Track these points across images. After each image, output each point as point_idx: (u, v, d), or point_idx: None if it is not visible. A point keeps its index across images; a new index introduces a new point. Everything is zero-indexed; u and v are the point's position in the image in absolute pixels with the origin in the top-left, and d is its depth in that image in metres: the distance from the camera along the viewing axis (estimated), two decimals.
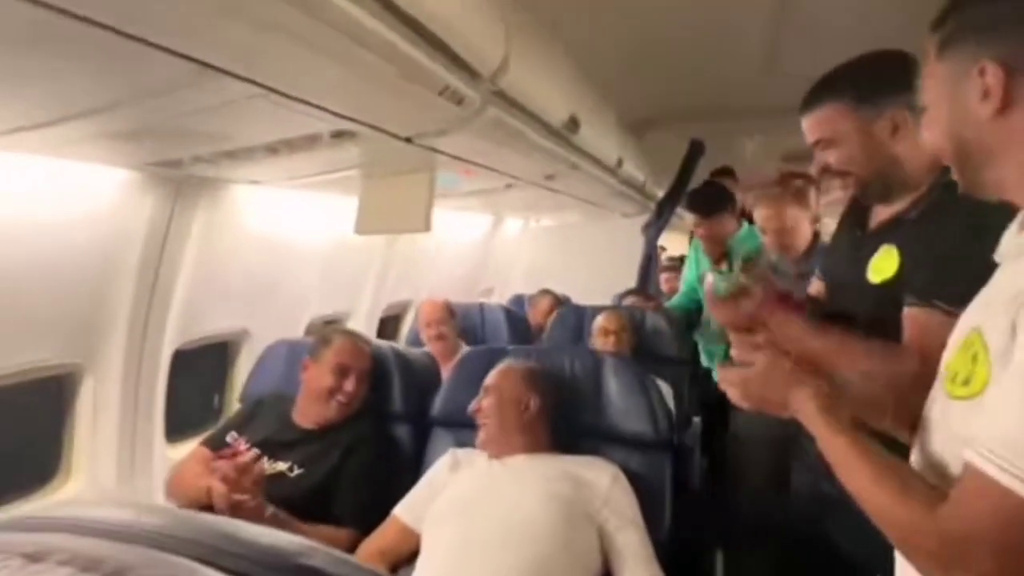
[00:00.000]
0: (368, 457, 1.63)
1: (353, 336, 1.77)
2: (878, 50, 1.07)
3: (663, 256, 5.11)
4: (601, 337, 2.62)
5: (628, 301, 3.44)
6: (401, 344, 2.94)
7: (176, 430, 2.09)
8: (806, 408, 0.77)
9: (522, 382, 1.57)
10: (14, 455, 1.67)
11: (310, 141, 1.27)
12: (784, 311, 1.04)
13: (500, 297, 4.69)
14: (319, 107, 1.00)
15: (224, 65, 0.78)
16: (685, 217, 3.21)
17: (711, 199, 2.62)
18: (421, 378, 1.93)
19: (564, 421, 1.65)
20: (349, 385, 1.64)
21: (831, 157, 1.06)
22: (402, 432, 1.81)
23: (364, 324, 2.94)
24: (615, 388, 1.69)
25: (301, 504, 1.49)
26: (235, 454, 1.56)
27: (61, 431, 1.73)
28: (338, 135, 1.25)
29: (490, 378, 1.60)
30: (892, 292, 0.99)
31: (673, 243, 5.92)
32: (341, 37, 0.80)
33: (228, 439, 1.66)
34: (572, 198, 3.15)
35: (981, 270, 0.72)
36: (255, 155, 1.34)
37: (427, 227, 1.70)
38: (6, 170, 1.26)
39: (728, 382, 0.89)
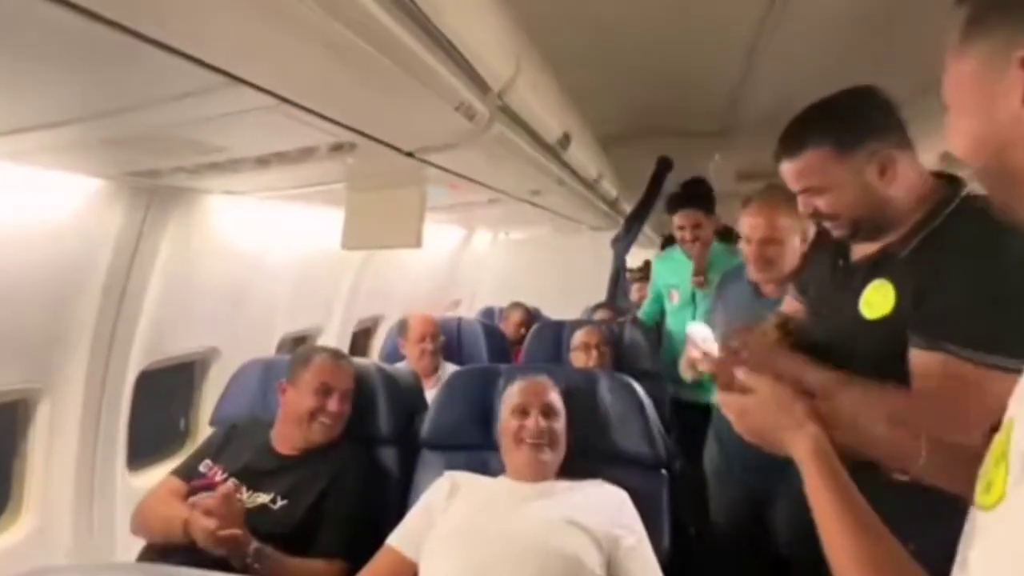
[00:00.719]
0: (355, 483, 1.54)
1: (334, 354, 1.68)
2: (849, 89, 1.03)
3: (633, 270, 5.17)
4: (583, 352, 2.61)
5: (599, 315, 3.46)
6: (374, 360, 2.85)
7: (138, 457, 1.95)
8: (801, 453, 0.74)
9: (560, 402, 1.54)
10: None
11: (305, 154, 1.21)
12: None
13: (468, 310, 4.64)
14: (330, 119, 0.95)
15: (243, 74, 0.73)
16: (647, 234, 3.19)
17: (709, 195, 2.60)
18: (407, 398, 1.86)
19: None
20: (332, 405, 1.55)
21: (820, 203, 1.02)
22: (388, 456, 1.73)
23: (336, 340, 2.84)
24: (612, 407, 1.67)
25: (287, 538, 1.39)
26: (211, 484, 1.47)
27: (10, 461, 1.58)
28: (337, 148, 1.19)
29: (548, 396, 1.53)
30: (889, 328, 0.95)
31: (635, 258, 6.02)
32: (364, 45, 0.75)
33: (202, 468, 1.55)
34: (546, 212, 3.15)
35: (1006, 307, 0.70)
36: (242, 167, 1.27)
37: (418, 243, 1.65)
38: None
39: (728, 406, 0.86)
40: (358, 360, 1.89)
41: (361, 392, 1.73)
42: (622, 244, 4.25)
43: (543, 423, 1.48)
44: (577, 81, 1.82)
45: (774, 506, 1.69)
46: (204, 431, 2.14)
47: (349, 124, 1.00)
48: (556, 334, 2.91)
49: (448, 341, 2.95)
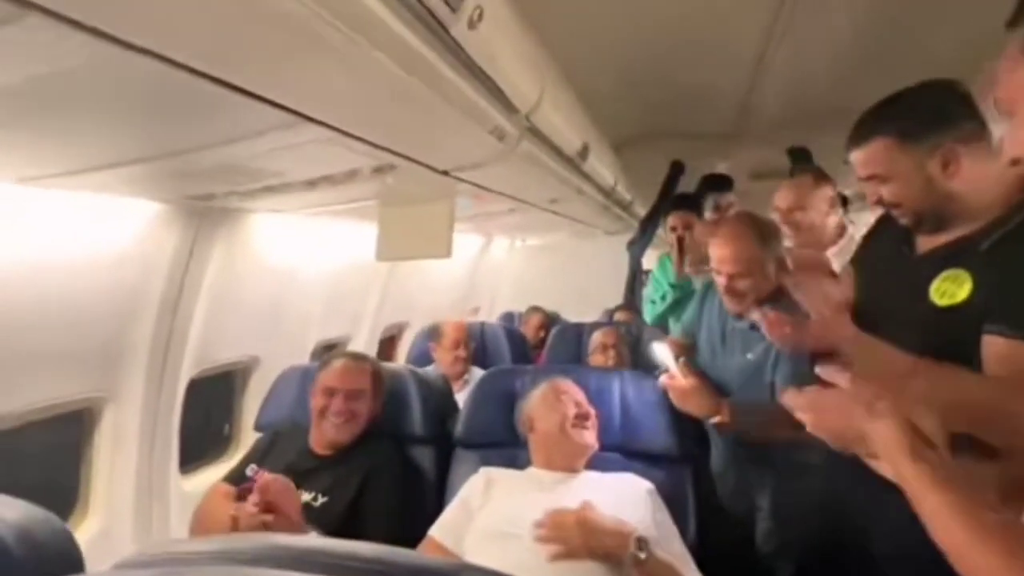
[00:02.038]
0: (391, 479, 1.63)
1: (346, 357, 1.76)
2: (925, 81, 1.05)
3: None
4: (600, 353, 2.68)
5: (619, 316, 3.54)
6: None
7: (186, 461, 2.07)
8: (887, 448, 0.69)
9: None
10: (27, 493, 1.63)
11: (349, 176, 1.31)
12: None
13: (488, 316, 4.74)
14: (376, 145, 1.05)
15: (308, 111, 0.83)
16: (661, 236, 3.23)
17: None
18: (439, 399, 1.96)
19: None
20: (336, 405, 1.63)
21: (884, 191, 1.05)
22: (422, 454, 1.82)
23: (364, 346, 2.95)
24: (636, 404, 1.75)
25: (329, 532, 1.49)
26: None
27: (76, 466, 1.70)
28: (378, 170, 1.29)
29: (577, 393, 1.63)
30: (960, 316, 0.97)
31: (650, 260, 6.07)
32: (410, 79, 0.84)
33: (248, 472, 1.65)
34: (563, 218, 3.24)
35: None
36: (291, 189, 1.38)
37: (448, 253, 1.74)
38: (39, 206, 1.27)
39: (799, 407, 0.82)
40: (392, 364, 1.99)
41: (395, 394, 1.82)
42: (638, 247, 4.32)
43: (587, 407, 1.59)
44: (591, 89, 1.90)
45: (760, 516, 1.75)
46: (247, 435, 2.27)
47: (392, 148, 1.10)
48: (576, 336, 3.00)
49: (473, 346, 3.05)
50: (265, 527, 1.32)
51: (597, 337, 2.75)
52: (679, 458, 1.69)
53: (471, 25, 0.82)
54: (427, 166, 1.29)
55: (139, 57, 0.62)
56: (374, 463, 1.61)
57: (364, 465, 1.60)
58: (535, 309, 3.79)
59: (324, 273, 2.46)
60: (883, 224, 1.26)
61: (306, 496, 1.53)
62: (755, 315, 1.29)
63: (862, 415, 0.72)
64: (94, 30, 0.56)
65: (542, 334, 3.86)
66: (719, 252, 1.56)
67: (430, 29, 0.77)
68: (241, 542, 0.52)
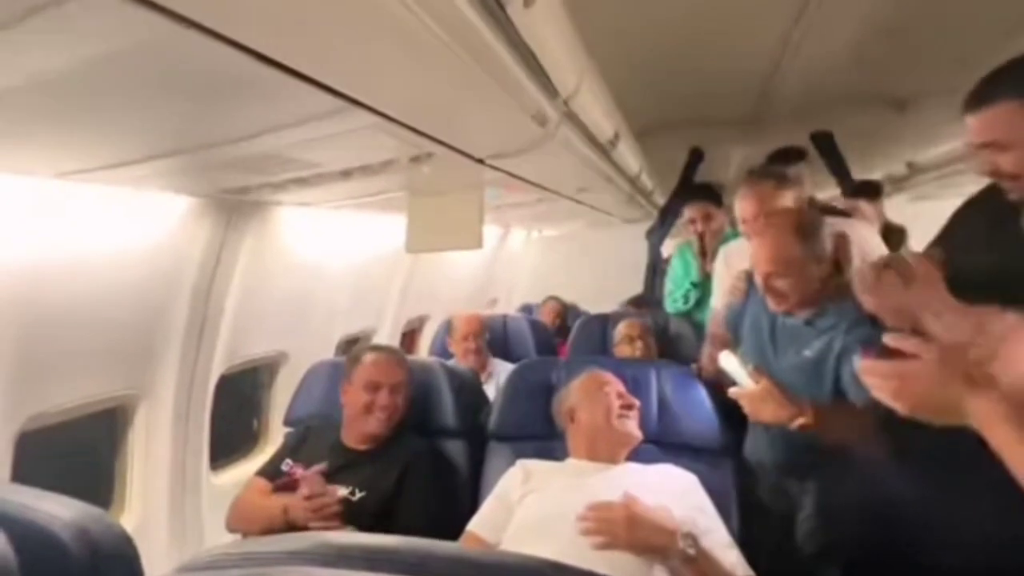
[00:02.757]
0: (428, 473, 1.62)
1: (383, 351, 1.75)
2: None
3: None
4: (627, 345, 2.64)
5: (625, 328, 3.49)
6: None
7: (216, 456, 2.06)
8: (991, 421, 0.66)
9: None
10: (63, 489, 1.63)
11: (386, 165, 1.28)
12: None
13: (506, 307, 4.71)
14: (419, 132, 1.02)
15: (359, 95, 0.80)
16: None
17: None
18: (470, 392, 1.94)
19: None
20: (382, 399, 1.62)
21: (1003, 161, 0.95)
22: (455, 448, 1.80)
23: (388, 339, 2.94)
24: (676, 397, 1.72)
25: (367, 527, 1.49)
26: (293, 481, 1.56)
27: (110, 462, 1.70)
28: (415, 159, 1.26)
29: (617, 383, 1.60)
30: None
31: (669, 249, 6.00)
32: (464, 57, 0.80)
33: (283, 467, 1.65)
34: (584, 207, 3.20)
35: None
36: (326, 181, 1.35)
37: (480, 244, 1.72)
38: (74, 202, 1.25)
39: (878, 375, 0.78)
40: (421, 357, 1.97)
41: (427, 388, 1.80)
42: (656, 236, 4.26)
43: (630, 397, 1.55)
44: (618, 77, 1.85)
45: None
46: (275, 431, 2.27)
47: (433, 135, 1.07)
48: (602, 327, 2.96)
49: (494, 338, 3.03)
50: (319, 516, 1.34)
51: (622, 328, 2.71)
52: (720, 451, 1.66)
53: (526, 3, 0.79)
54: (464, 154, 1.25)
55: (193, 35, 0.59)
56: (411, 457, 1.60)
57: (401, 459, 1.59)
58: (550, 297, 3.79)
59: (349, 266, 2.44)
60: (976, 203, 1.19)
61: (343, 491, 1.52)
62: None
63: (958, 383, 0.68)
64: (150, 3, 0.53)
65: (557, 322, 3.86)
66: (756, 252, 1.47)
67: (487, 7, 0.74)
68: (303, 542, 0.51)
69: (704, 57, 2.10)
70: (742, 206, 1.83)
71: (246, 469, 2.15)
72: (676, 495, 1.42)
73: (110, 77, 0.69)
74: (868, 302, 1.06)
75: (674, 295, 2.85)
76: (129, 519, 1.68)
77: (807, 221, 1.48)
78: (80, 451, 1.68)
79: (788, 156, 2.37)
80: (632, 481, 1.44)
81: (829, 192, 3.34)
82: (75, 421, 1.49)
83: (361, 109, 0.83)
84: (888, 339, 0.81)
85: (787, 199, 1.72)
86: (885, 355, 0.81)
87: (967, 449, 1.09)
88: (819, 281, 1.45)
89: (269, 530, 1.43)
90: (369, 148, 1.10)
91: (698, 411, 1.69)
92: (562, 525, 1.33)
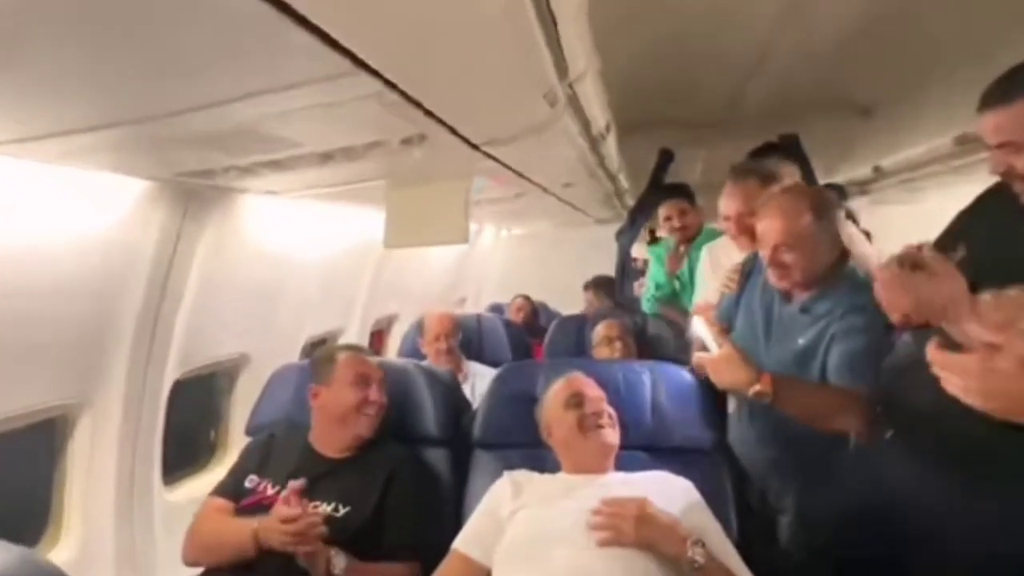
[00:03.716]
0: (412, 482, 1.49)
1: (357, 348, 1.63)
2: None
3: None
4: (606, 346, 2.57)
5: (589, 294, 3.48)
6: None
7: (169, 470, 1.87)
8: None
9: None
10: None
11: (372, 148, 1.16)
12: None
13: (474, 307, 4.60)
14: (421, 106, 0.90)
15: (366, 56, 0.67)
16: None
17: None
18: (452, 397, 1.82)
19: None
20: (374, 394, 1.49)
21: (1020, 162, 0.93)
22: (437, 457, 1.68)
23: (356, 340, 2.78)
24: (667, 397, 1.65)
25: (352, 543, 1.35)
26: (263, 500, 1.42)
27: (47, 480, 1.50)
28: (406, 141, 1.14)
29: (591, 388, 1.51)
30: None
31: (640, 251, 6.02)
32: (495, 16, 0.70)
33: (248, 484, 1.49)
34: (562, 205, 3.11)
35: None
36: (302, 164, 1.21)
37: (465, 239, 1.60)
38: (4, 181, 1.07)
39: (953, 369, 0.75)
40: (395, 360, 1.84)
41: (404, 392, 1.68)
42: (626, 236, 4.24)
43: (602, 405, 1.46)
44: (614, 68, 1.78)
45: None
46: (235, 441, 2.08)
47: (436, 113, 0.95)
48: (579, 328, 2.89)
49: (468, 339, 2.91)
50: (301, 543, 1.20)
51: (601, 330, 2.63)
52: (716, 452, 1.60)
53: None
54: (461, 137, 1.14)
55: None
56: (394, 465, 1.47)
57: (384, 467, 1.46)
58: (519, 296, 3.76)
59: (316, 262, 2.28)
60: (987, 200, 1.15)
61: (324, 507, 1.38)
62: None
63: None
64: None
65: (524, 318, 3.79)
66: (767, 223, 1.42)
67: None
68: None
69: (682, 58, 2.07)
70: (727, 203, 1.79)
71: (202, 484, 1.97)
72: (674, 503, 1.36)
73: (31, 18, 0.55)
74: (891, 297, 1.01)
75: (654, 294, 2.82)
76: (67, 547, 1.48)
77: (823, 199, 1.44)
78: (9, 468, 1.47)
79: (774, 150, 2.34)
80: (630, 491, 1.36)
81: None
82: (4, 435, 1.29)
83: (362, 72, 0.71)
84: (935, 354, 0.77)
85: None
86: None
87: (973, 444, 1.07)
88: (825, 265, 1.41)
89: (239, 559, 1.28)
90: (360, 125, 0.97)
91: (693, 412, 1.63)
92: (557, 544, 1.24)
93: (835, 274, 1.44)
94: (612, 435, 1.45)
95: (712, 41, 1.91)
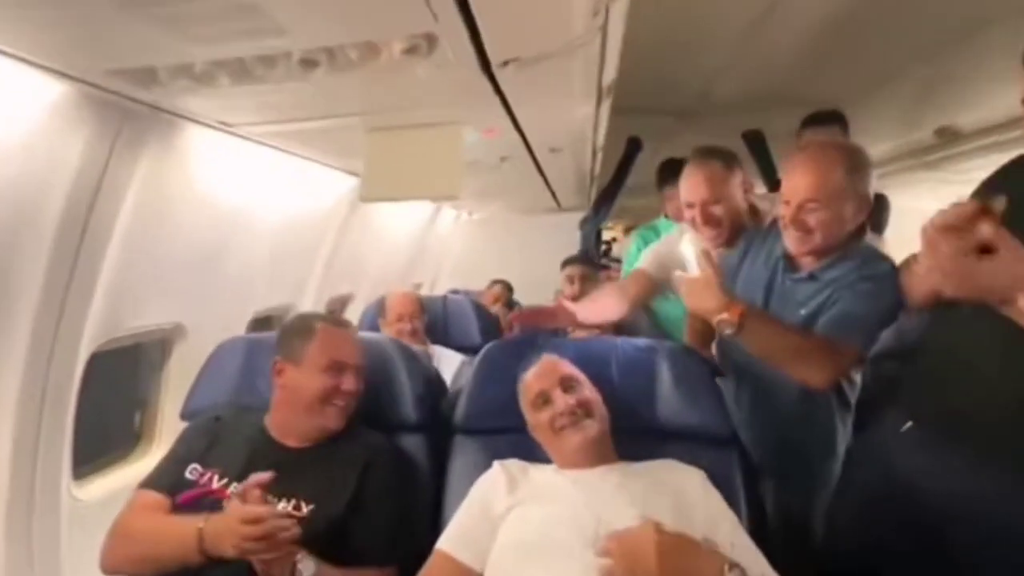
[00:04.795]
0: (392, 477, 1.28)
1: (339, 323, 1.38)
2: None
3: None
4: (568, 285, 2.64)
5: (568, 270, 3.35)
6: None
7: (81, 461, 1.55)
8: None
9: (574, 368, 1.35)
10: None
11: (367, 54, 0.93)
12: None
13: (431, 293, 4.36)
14: None
15: None
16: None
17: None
18: (430, 378, 1.60)
19: (615, 421, 1.43)
20: (348, 384, 1.26)
21: None
22: (414, 444, 1.46)
23: None
24: (674, 379, 1.50)
25: (316, 547, 1.11)
26: (209, 493, 1.17)
27: None
28: (410, 49, 0.92)
29: (561, 370, 1.32)
30: None
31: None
32: None
33: (190, 475, 1.22)
34: (533, 182, 2.94)
35: None
36: (273, 70, 0.96)
37: (458, 191, 1.39)
38: None
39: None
40: (373, 335, 1.61)
41: (380, 371, 1.45)
42: (590, 225, 4.16)
43: (569, 400, 1.28)
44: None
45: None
46: (166, 428, 1.77)
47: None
48: None
49: (432, 321, 2.69)
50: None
51: (566, 270, 2.70)
52: (726, 440, 1.46)
53: None
54: (479, 48, 0.93)
55: None
56: (370, 456, 1.25)
57: (358, 459, 1.23)
58: (496, 282, 3.55)
59: (269, 226, 1.98)
60: (1009, 171, 1.08)
61: (283, 505, 1.13)
62: None
63: None
64: None
65: (498, 305, 3.62)
66: (796, 180, 1.30)
67: None
68: None
69: (658, 49, 1.98)
70: (690, 189, 1.63)
71: (123, 478, 1.65)
72: (686, 495, 1.21)
73: None
74: (951, 283, 0.87)
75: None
76: None
77: (858, 155, 1.33)
78: None
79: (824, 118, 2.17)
80: (637, 486, 1.20)
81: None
82: None
83: None
84: None
85: (735, 181, 1.61)
86: None
87: (1003, 434, 0.98)
88: (846, 233, 1.31)
89: (179, 564, 1.02)
90: (361, 14, 0.74)
91: (701, 395, 1.48)
92: (563, 551, 1.06)
93: (852, 244, 1.35)
94: (591, 428, 1.26)
95: (686, 35, 1.89)
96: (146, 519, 1.11)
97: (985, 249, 0.81)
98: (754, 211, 1.69)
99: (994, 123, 2.32)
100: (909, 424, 1.19)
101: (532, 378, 1.34)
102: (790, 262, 1.43)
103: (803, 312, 1.36)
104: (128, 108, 1.13)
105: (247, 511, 0.95)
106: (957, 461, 1.05)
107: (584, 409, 1.25)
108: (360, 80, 1.07)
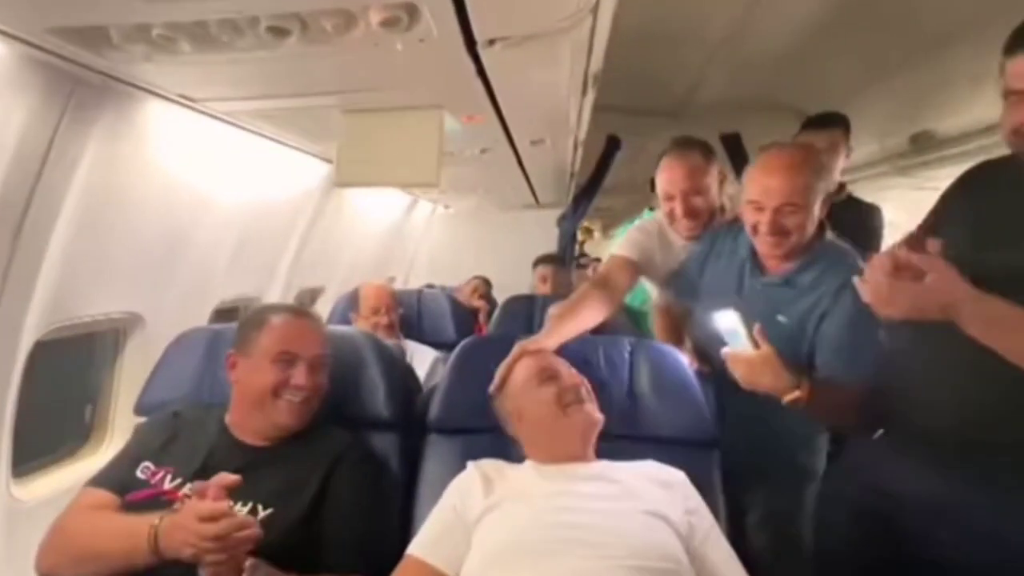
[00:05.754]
0: (361, 479, 1.21)
1: (297, 312, 1.30)
2: None
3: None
4: (541, 284, 2.85)
5: (540, 269, 3.34)
6: None
7: (22, 458, 1.44)
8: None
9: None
10: None
11: (344, 25, 0.86)
12: None
13: (405, 287, 4.27)
14: None
15: None
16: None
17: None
18: (402, 373, 1.54)
19: None
20: (299, 378, 1.18)
21: None
22: (386, 444, 1.40)
23: None
24: (653, 379, 1.47)
25: (276, 552, 1.04)
26: (160, 493, 1.10)
27: None
28: (390, 21, 0.86)
29: (562, 363, 1.32)
30: None
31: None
32: None
33: (141, 473, 1.14)
34: (519, 176, 2.88)
35: None
36: (238, 42, 0.89)
37: (436, 179, 1.33)
38: None
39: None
40: (344, 328, 1.54)
41: (351, 365, 1.39)
42: (569, 222, 4.13)
43: (576, 377, 1.29)
44: None
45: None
46: (120, 424, 1.67)
47: None
48: (527, 309, 2.68)
49: (407, 315, 2.62)
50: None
51: (539, 270, 2.92)
52: (706, 442, 1.44)
53: None
54: (464, 23, 0.87)
55: None
56: (336, 457, 1.18)
57: (324, 459, 1.17)
58: (476, 278, 3.51)
59: (235, 210, 1.88)
60: (970, 179, 1.14)
61: (240, 507, 1.06)
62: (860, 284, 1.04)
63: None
64: None
65: (475, 297, 3.56)
66: (767, 182, 1.29)
67: None
68: None
69: (642, 46, 1.96)
70: (671, 180, 1.63)
71: (69, 476, 1.55)
72: (671, 496, 1.18)
73: None
74: (884, 305, 0.98)
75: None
76: None
77: (819, 158, 1.37)
78: None
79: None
80: (619, 483, 1.17)
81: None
82: None
83: None
84: None
85: (714, 172, 1.63)
86: None
87: (973, 439, 0.98)
88: (812, 232, 1.33)
89: (126, 564, 0.94)
90: None
91: (682, 398, 1.45)
92: (546, 553, 1.02)
93: (818, 242, 1.37)
94: (595, 410, 1.26)
95: (670, 33, 1.88)
96: (90, 518, 1.03)
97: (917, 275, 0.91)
98: (721, 207, 1.69)
99: (968, 130, 2.36)
100: (880, 432, 1.21)
101: (532, 359, 1.33)
102: (757, 263, 1.43)
103: (783, 319, 1.35)
104: (79, 75, 1.04)
105: (203, 507, 0.88)
106: (926, 468, 1.06)
107: (586, 389, 1.25)
108: (335, 54, 1.00)
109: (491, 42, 0.97)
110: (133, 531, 0.93)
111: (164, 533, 0.91)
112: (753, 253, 1.42)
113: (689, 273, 1.58)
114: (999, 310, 0.88)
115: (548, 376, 1.27)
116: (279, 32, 0.87)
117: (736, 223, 1.50)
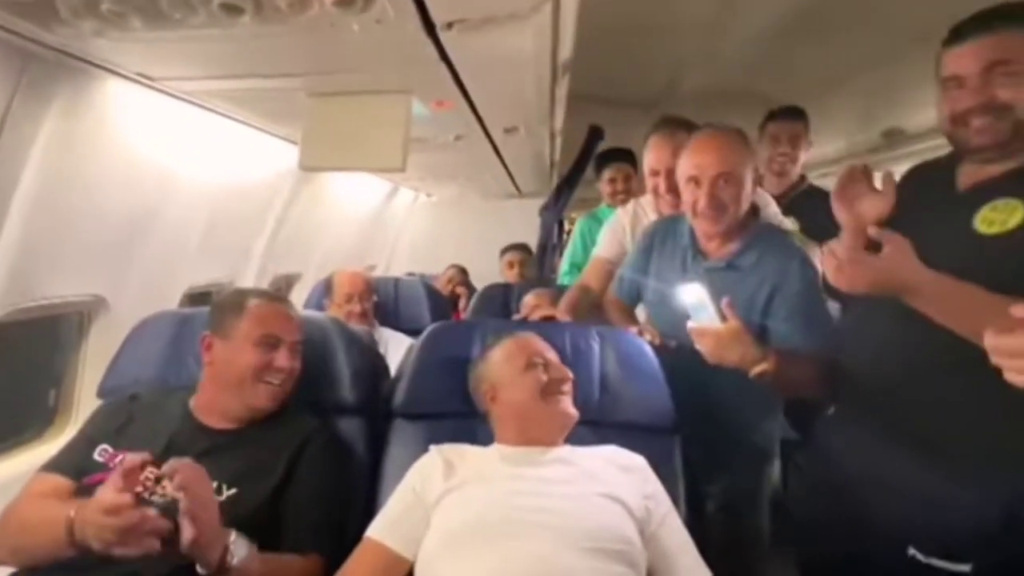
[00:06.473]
0: (327, 462, 1.21)
1: (273, 298, 1.31)
2: None
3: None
4: (508, 269, 3.08)
5: (508, 256, 3.38)
6: None
7: None
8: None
9: None
10: None
11: (298, 1, 0.85)
12: None
13: (384, 275, 4.26)
14: None
15: None
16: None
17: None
18: (369, 359, 1.54)
19: None
20: (281, 360, 1.20)
21: (1003, 91, 0.91)
22: (351, 428, 1.40)
23: None
24: (617, 367, 1.48)
25: (240, 531, 1.04)
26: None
27: None
28: (344, 3, 0.85)
29: (552, 352, 1.33)
30: (1009, 243, 0.91)
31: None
32: None
33: (98, 456, 1.13)
34: (496, 164, 2.87)
35: None
36: (192, 18, 0.88)
37: (403, 165, 1.32)
38: None
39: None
40: (311, 313, 1.53)
41: (317, 352, 1.39)
42: (551, 213, 4.12)
43: (565, 371, 1.29)
44: None
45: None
46: (85, 405, 1.66)
47: None
48: (504, 296, 2.69)
49: (383, 303, 2.61)
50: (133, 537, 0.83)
51: (507, 257, 3.09)
52: (667, 428, 1.45)
53: None
54: (420, 5, 0.87)
55: None
56: (303, 440, 1.18)
57: (292, 442, 1.18)
58: (452, 267, 3.50)
59: (207, 192, 1.85)
60: (916, 172, 1.18)
61: None
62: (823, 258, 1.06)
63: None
64: None
65: (451, 287, 3.56)
66: (704, 158, 1.36)
67: None
68: None
69: (622, 38, 1.99)
70: (656, 156, 1.70)
71: (34, 458, 1.53)
72: (631, 481, 1.20)
73: None
74: (847, 278, 0.99)
75: (575, 261, 2.69)
76: None
77: (746, 139, 1.44)
78: None
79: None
80: (581, 466, 1.19)
81: None
82: None
83: None
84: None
85: None
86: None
87: (924, 414, 1.00)
88: (745, 212, 1.40)
89: (50, 557, 0.92)
90: None
91: (646, 384, 1.47)
92: (507, 533, 1.03)
93: (754, 224, 1.44)
94: (571, 406, 1.28)
95: (650, 29, 1.90)
96: (34, 506, 1.01)
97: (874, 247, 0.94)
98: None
99: (937, 127, 2.40)
100: (833, 408, 1.26)
101: (524, 342, 1.33)
102: (699, 249, 1.47)
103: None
104: (31, 51, 1.02)
105: (104, 500, 0.83)
106: (874, 440, 1.09)
107: (570, 388, 1.27)
108: (292, 34, 0.99)
109: (449, 25, 0.96)
110: (53, 523, 0.89)
111: (78, 525, 0.86)
112: (694, 239, 1.47)
113: (636, 267, 1.62)
114: (957, 288, 0.90)
115: (535, 363, 1.27)
116: (232, 9, 0.86)
117: (672, 216, 1.58)
